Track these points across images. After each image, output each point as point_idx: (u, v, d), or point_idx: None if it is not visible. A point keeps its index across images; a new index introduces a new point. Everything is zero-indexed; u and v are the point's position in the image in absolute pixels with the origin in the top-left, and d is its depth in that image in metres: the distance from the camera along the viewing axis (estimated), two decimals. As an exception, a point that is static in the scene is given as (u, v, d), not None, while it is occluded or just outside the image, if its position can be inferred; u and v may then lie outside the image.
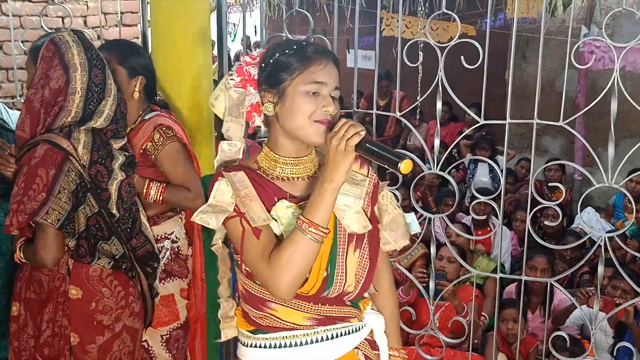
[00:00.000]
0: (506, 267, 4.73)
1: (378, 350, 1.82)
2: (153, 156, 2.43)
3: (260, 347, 1.70)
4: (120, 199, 2.21)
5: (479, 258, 4.55)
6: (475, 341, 3.61)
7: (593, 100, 2.35)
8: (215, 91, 1.71)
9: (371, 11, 3.07)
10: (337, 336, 1.70)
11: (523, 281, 2.56)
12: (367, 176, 1.73)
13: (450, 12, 2.39)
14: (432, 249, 2.57)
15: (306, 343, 1.68)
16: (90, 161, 2.12)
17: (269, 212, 1.60)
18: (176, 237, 2.57)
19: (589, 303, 3.40)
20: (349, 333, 1.73)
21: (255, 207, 1.57)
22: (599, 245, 2.33)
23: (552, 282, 2.47)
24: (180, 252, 2.59)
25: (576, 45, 2.33)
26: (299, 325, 1.67)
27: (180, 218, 2.59)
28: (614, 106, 2.21)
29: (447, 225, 2.67)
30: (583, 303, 3.46)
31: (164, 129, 2.43)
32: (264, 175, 1.65)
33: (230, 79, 1.66)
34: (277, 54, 1.61)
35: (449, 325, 2.85)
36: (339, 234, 1.66)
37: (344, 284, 1.68)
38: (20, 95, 2.82)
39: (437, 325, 2.65)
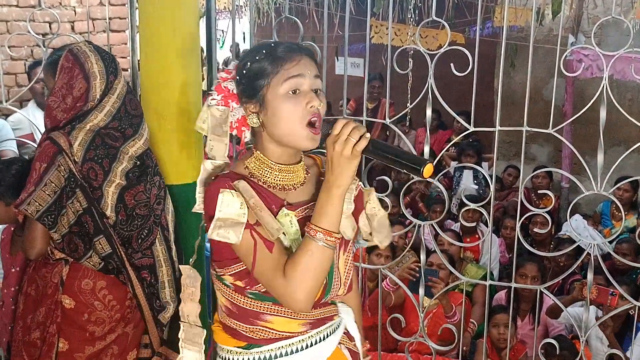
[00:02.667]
0: (495, 274, 4.75)
1: (354, 340, 1.82)
2: None
3: None
4: (121, 203, 2.21)
5: (467, 265, 4.56)
6: (464, 348, 3.61)
7: (580, 108, 2.37)
8: (201, 115, 1.65)
9: (360, 18, 3.07)
10: (326, 336, 1.70)
11: (513, 288, 2.56)
12: (354, 181, 1.67)
13: (439, 20, 2.40)
14: (422, 256, 2.56)
15: (302, 349, 1.66)
16: (83, 158, 2.15)
17: None
18: None
19: (582, 293, 3.42)
20: (334, 331, 1.73)
21: (267, 218, 1.50)
22: (589, 253, 2.33)
23: (542, 289, 2.47)
24: None
25: (565, 54, 2.34)
26: (294, 333, 1.64)
27: None
28: (602, 114, 2.22)
29: (437, 232, 2.67)
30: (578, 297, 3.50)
31: None
32: (259, 183, 1.58)
33: (212, 99, 1.60)
34: (248, 63, 1.54)
35: (438, 332, 2.84)
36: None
37: (339, 289, 1.67)
38: (6, 100, 2.80)
39: (426, 332, 2.65)
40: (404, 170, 1.43)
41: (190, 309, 1.76)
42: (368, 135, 1.42)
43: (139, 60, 2.73)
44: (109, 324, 2.28)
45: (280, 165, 1.59)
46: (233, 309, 1.64)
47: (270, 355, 1.65)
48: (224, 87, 1.59)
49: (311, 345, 1.67)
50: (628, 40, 2.21)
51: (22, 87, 4.92)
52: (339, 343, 1.75)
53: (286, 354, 1.65)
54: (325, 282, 1.60)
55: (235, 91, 1.59)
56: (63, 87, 2.20)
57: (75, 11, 5.58)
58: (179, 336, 1.76)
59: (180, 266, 1.73)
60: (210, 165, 1.66)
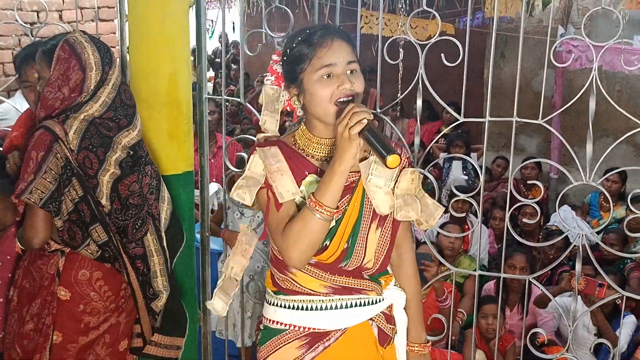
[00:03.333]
0: (483, 264, 4.77)
1: (394, 325, 1.91)
2: None
3: (280, 306, 1.84)
4: (115, 192, 2.21)
5: (460, 257, 4.57)
6: (453, 338, 3.63)
7: (569, 99, 2.37)
8: (262, 90, 1.84)
9: (350, 8, 3.06)
10: (351, 306, 1.81)
11: (502, 278, 2.57)
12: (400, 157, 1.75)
13: (430, 10, 2.39)
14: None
15: (320, 308, 1.80)
16: (79, 146, 2.16)
17: (299, 185, 1.71)
18: None
19: (571, 284, 3.44)
20: (363, 305, 1.83)
21: (285, 181, 1.69)
22: (576, 245, 2.35)
23: (531, 280, 2.49)
24: None
25: (554, 45, 2.34)
26: (315, 291, 1.79)
27: None
28: (592, 105, 2.22)
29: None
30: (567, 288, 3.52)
31: None
32: (299, 151, 1.75)
33: (267, 79, 1.79)
34: (288, 50, 1.70)
35: (427, 322, 2.85)
36: (364, 211, 1.75)
37: (362, 259, 1.78)
38: (-6, 89, 2.78)
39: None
40: (375, 153, 1.58)
41: (238, 262, 1.95)
42: (365, 121, 1.56)
43: (127, 50, 2.71)
44: (104, 314, 2.29)
45: (319, 138, 1.74)
46: (274, 258, 1.84)
47: (292, 305, 1.82)
48: (275, 69, 1.78)
49: (331, 308, 1.80)
50: (617, 31, 2.21)
51: (9, 76, 4.88)
52: (372, 319, 1.85)
53: (305, 309, 1.80)
54: (346, 247, 1.74)
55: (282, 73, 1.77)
56: (59, 77, 2.19)
57: (63, 0, 5.53)
58: (218, 283, 1.98)
59: (240, 225, 1.91)
60: (262, 137, 1.87)
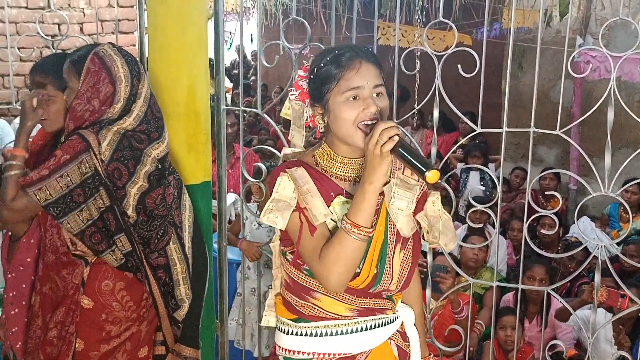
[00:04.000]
0: (502, 275, 4.73)
1: (408, 341, 1.91)
2: None
3: (301, 334, 1.79)
4: (141, 205, 2.23)
5: (482, 269, 4.54)
6: (471, 349, 3.60)
7: (588, 110, 2.36)
8: (286, 103, 1.84)
9: (367, 20, 3.08)
10: (374, 327, 1.80)
11: (520, 290, 2.55)
12: (418, 181, 1.78)
13: (447, 21, 2.40)
14: (429, 257, 2.56)
15: (346, 332, 1.77)
16: (110, 158, 2.18)
17: (328, 207, 1.69)
18: None
19: (592, 296, 3.40)
20: (384, 324, 1.82)
21: (316, 203, 1.67)
22: (596, 256, 2.33)
23: (549, 291, 2.47)
24: None
25: (572, 55, 2.33)
26: (340, 315, 1.76)
27: None
28: (610, 115, 2.21)
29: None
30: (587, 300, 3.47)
31: None
32: (322, 172, 1.74)
33: (291, 94, 1.78)
34: (316, 69, 1.69)
35: (445, 334, 2.84)
36: (389, 233, 1.75)
37: (390, 282, 1.77)
38: (16, 102, 2.82)
39: (433, 332, 2.65)
40: (414, 173, 1.57)
41: (276, 282, 1.94)
42: (396, 137, 1.55)
43: (147, 61, 2.74)
44: (125, 323, 2.32)
45: (342, 158, 1.73)
46: (290, 282, 1.80)
47: (316, 332, 1.77)
48: (300, 84, 1.77)
49: (356, 331, 1.78)
50: (636, 42, 2.20)
51: (31, 88, 4.94)
52: (390, 339, 1.84)
53: (330, 334, 1.77)
54: (376, 272, 1.72)
55: (307, 90, 1.76)
56: (89, 90, 2.22)
57: (84, 13, 5.61)
58: (266, 302, 1.97)
59: (272, 244, 1.93)
60: (289, 152, 1.88)
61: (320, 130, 1.79)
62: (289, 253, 1.77)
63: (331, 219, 1.69)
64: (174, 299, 2.36)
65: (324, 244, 1.66)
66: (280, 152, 1.99)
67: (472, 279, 2.59)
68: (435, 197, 1.83)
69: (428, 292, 2.58)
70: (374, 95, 1.65)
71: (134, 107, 2.25)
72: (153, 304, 2.35)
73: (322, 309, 1.76)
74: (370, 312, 1.79)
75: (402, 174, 1.78)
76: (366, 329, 1.78)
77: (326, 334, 1.77)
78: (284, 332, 1.83)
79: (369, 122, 1.62)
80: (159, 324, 2.41)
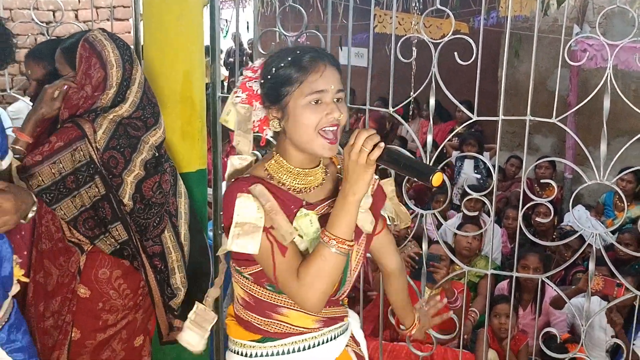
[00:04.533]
0: (497, 264, 4.75)
1: (359, 345, 1.86)
2: None
3: (267, 355, 1.68)
4: (138, 193, 2.22)
5: (477, 258, 4.56)
6: (465, 337, 3.62)
7: (584, 99, 2.36)
8: (225, 107, 1.68)
9: (364, 7, 3.07)
10: (336, 336, 1.74)
11: (514, 278, 2.57)
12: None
13: (444, 8, 2.39)
14: (424, 246, 2.57)
15: (313, 346, 1.70)
16: (106, 146, 2.17)
17: (291, 222, 1.56)
18: None
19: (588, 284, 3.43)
20: (343, 332, 1.77)
21: (282, 222, 1.54)
22: (590, 244, 2.34)
23: (544, 279, 2.48)
24: None
25: (569, 43, 2.33)
26: (308, 328, 1.68)
27: None
28: (606, 104, 2.21)
29: (439, 222, 2.67)
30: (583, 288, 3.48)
31: None
32: (279, 185, 1.60)
33: (236, 96, 1.63)
34: (273, 69, 1.56)
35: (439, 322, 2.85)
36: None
37: (350, 284, 1.71)
38: (10, 89, 2.80)
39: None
40: (414, 177, 1.47)
41: (214, 293, 1.80)
42: (382, 144, 1.46)
43: (142, 49, 2.73)
44: (122, 312, 2.32)
45: (298, 169, 1.61)
46: (250, 300, 1.66)
47: (284, 350, 1.68)
48: (249, 86, 1.61)
49: (323, 343, 1.71)
50: (633, 30, 2.20)
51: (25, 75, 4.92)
52: (347, 345, 1.79)
53: (299, 350, 1.68)
54: (341, 276, 1.64)
55: (259, 92, 1.60)
56: (82, 76, 2.22)
57: (79, -1, 5.58)
58: (189, 316, 1.80)
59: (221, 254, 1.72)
60: (237, 161, 1.70)
61: (267, 137, 1.68)
62: (247, 273, 1.64)
63: (299, 234, 1.58)
64: (170, 287, 2.37)
65: (298, 262, 1.55)
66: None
67: (466, 267, 2.59)
68: (390, 182, 1.80)
69: (423, 280, 2.59)
70: (335, 100, 1.55)
71: (128, 93, 2.24)
72: (149, 292, 2.36)
73: (290, 324, 1.66)
74: (333, 321, 1.73)
75: None
76: (330, 339, 1.73)
77: (294, 351, 1.68)
78: (244, 355, 1.71)
79: (330, 128, 1.53)
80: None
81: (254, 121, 1.63)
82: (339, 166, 1.72)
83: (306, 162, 1.62)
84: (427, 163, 1.48)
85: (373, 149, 1.45)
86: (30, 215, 1.70)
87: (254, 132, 1.66)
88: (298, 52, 1.56)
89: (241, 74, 1.65)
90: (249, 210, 1.52)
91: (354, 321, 1.85)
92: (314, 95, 1.52)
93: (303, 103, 1.52)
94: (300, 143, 1.56)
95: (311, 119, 1.52)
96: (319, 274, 1.51)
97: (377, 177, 1.78)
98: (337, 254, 1.50)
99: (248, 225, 1.51)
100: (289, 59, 1.54)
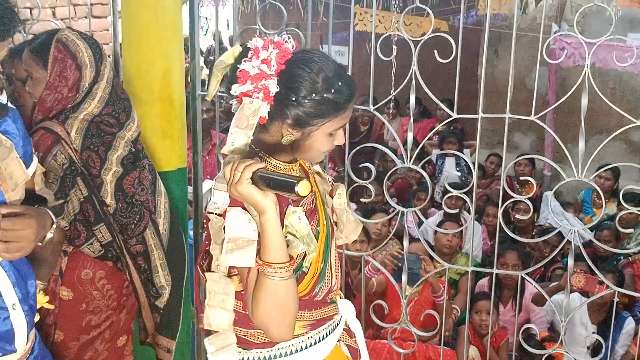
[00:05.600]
0: (477, 261, 4.78)
1: (354, 336, 1.85)
2: None
3: None
4: (120, 191, 2.20)
5: (457, 255, 4.58)
6: (447, 334, 3.64)
7: (563, 97, 2.38)
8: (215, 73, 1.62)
9: (344, 5, 3.06)
10: (325, 336, 1.73)
11: (494, 274, 2.58)
12: (326, 173, 1.82)
13: (424, 7, 2.40)
14: (405, 243, 2.58)
15: (301, 349, 1.68)
16: (82, 146, 2.14)
17: (282, 221, 1.52)
18: None
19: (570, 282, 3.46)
20: (333, 330, 1.76)
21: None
22: (569, 240, 2.36)
23: (523, 275, 2.50)
24: None
25: (547, 41, 2.35)
26: (294, 335, 1.63)
27: None
28: (584, 102, 2.23)
29: (420, 219, 2.67)
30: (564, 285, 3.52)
31: None
32: None
33: (250, 101, 1.51)
34: (312, 94, 1.50)
35: (420, 319, 2.86)
36: (330, 226, 1.72)
37: (331, 279, 1.72)
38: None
39: (409, 319, 2.66)
40: (283, 193, 1.43)
41: (223, 317, 1.61)
42: (254, 167, 1.42)
43: (120, 47, 2.70)
44: (106, 312, 2.29)
45: (285, 165, 1.62)
46: (235, 315, 1.62)
47: (270, 355, 1.66)
48: (262, 85, 1.50)
49: (310, 345, 1.69)
50: (610, 29, 2.22)
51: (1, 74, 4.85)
52: (338, 340, 1.78)
53: (285, 355, 1.66)
54: (317, 270, 1.64)
55: (273, 94, 1.51)
56: (56, 79, 2.17)
57: (56, -4, 5.51)
58: (208, 345, 1.66)
59: (207, 274, 1.61)
60: (229, 157, 1.61)
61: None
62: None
63: (291, 233, 1.56)
64: (155, 286, 2.34)
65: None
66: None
67: (447, 264, 2.60)
68: (340, 190, 1.81)
69: (404, 278, 2.60)
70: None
71: (96, 88, 2.20)
72: (134, 292, 2.33)
73: None
74: (320, 323, 1.71)
75: (315, 165, 1.79)
76: (319, 341, 1.71)
77: (280, 356, 1.66)
78: None
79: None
80: (139, 312, 2.39)
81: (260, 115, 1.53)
82: (307, 163, 1.76)
83: (287, 158, 1.63)
84: (289, 178, 1.41)
85: (244, 171, 1.41)
86: (49, 236, 1.62)
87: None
88: (340, 84, 1.54)
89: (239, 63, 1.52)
90: (241, 224, 1.48)
91: (348, 312, 1.83)
92: (335, 130, 1.59)
93: (325, 132, 1.57)
94: (301, 155, 1.63)
95: (325, 146, 1.61)
96: (270, 307, 1.46)
97: (330, 179, 1.83)
98: (278, 280, 1.45)
99: (241, 240, 1.47)
100: (332, 90, 1.52)
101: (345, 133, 1.66)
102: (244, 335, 1.65)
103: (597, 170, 2.75)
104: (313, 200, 1.67)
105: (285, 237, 1.53)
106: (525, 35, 6.18)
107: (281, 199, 1.55)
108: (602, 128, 6.03)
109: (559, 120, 6.24)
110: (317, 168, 1.81)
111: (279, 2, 2.53)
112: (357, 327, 1.86)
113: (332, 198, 1.81)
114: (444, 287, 3.58)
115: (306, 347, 1.68)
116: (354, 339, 1.84)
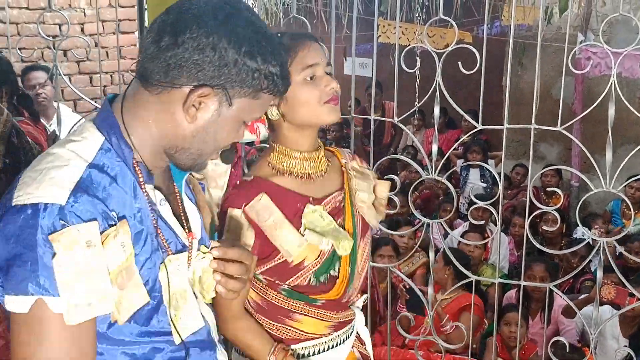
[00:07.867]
0: (504, 272, 4.74)
1: (364, 344, 1.85)
2: None
3: None
4: None
5: (483, 266, 4.54)
6: (474, 346, 3.60)
7: (589, 106, 2.36)
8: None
9: (368, 18, 3.08)
10: (344, 340, 1.73)
11: (522, 286, 2.56)
12: (368, 168, 1.75)
13: (447, 18, 2.40)
14: (431, 255, 2.56)
15: (323, 350, 1.68)
16: None
17: (300, 221, 1.54)
18: None
19: (601, 294, 3.41)
20: (350, 335, 1.76)
21: (286, 235, 1.52)
22: (598, 251, 2.33)
23: (552, 287, 2.47)
24: None
25: (573, 51, 2.33)
26: (319, 334, 1.66)
27: None
28: (611, 111, 2.21)
29: (446, 231, 2.67)
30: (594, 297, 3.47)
31: None
32: (283, 185, 1.57)
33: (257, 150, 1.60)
34: None
35: (450, 331, 2.85)
36: (357, 228, 1.66)
37: (359, 282, 1.71)
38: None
39: (435, 329, 2.65)
40: None
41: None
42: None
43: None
44: None
45: (302, 153, 1.58)
46: (263, 304, 1.63)
47: (295, 354, 1.66)
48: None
49: (331, 347, 1.70)
50: (636, 38, 2.20)
51: (32, 89, 4.95)
52: (352, 346, 1.78)
53: (308, 355, 1.66)
54: (347, 274, 1.63)
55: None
56: None
57: (85, 13, 5.61)
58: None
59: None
60: (212, 167, 1.57)
61: (261, 136, 1.59)
62: (261, 273, 1.59)
63: (312, 229, 1.54)
64: None
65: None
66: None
67: (473, 276, 2.59)
68: (385, 186, 1.78)
69: (430, 290, 2.58)
70: (326, 72, 1.53)
71: None
72: None
73: (302, 331, 1.64)
74: (342, 325, 1.71)
75: (352, 161, 1.73)
76: (339, 344, 1.71)
77: (303, 356, 1.66)
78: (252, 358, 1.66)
79: (334, 105, 1.53)
80: None
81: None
82: (343, 160, 1.71)
83: (307, 144, 1.59)
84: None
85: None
86: None
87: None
88: (279, 35, 1.52)
89: None
90: (237, 228, 1.51)
91: (358, 320, 1.82)
92: (308, 70, 1.50)
93: (299, 80, 1.49)
94: (303, 121, 1.54)
95: (312, 94, 1.51)
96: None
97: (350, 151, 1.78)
98: None
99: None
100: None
101: (336, 81, 1.53)
102: (270, 329, 1.64)
103: (626, 181, 2.71)
104: (342, 200, 1.63)
105: (303, 235, 1.54)
106: (550, 46, 6.15)
107: (300, 199, 1.56)
108: (629, 138, 5.95)
109: (585, 131, 6.17)
110: (355, 164, 1.73)
111: (302, 15, 2.55)
112: (366, 335, 1.86)
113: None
114: (449, 316, 3.55)
115: (328, 349, 1.69)
116: (364, 347, 1.84)
